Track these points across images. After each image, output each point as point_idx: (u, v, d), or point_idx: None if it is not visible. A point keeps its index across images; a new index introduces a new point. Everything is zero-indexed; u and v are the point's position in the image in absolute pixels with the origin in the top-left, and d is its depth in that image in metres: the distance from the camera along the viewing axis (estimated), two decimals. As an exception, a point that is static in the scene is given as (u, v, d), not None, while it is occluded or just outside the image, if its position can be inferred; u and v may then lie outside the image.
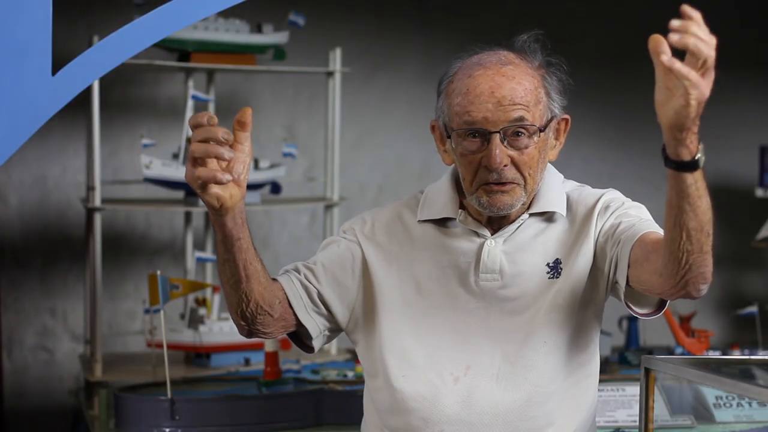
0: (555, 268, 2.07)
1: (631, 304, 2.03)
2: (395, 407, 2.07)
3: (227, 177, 1.76)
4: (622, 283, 1.99)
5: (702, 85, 1.62)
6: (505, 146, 1.99)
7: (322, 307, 2.10)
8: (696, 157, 1.71)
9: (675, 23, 1.59)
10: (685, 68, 1.60)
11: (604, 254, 2.04)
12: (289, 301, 2.05)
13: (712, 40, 1.61)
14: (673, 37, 1.59)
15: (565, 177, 2.18)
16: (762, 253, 4.80)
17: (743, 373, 3.13)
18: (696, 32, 1.60)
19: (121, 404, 2.96)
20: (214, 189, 1.77)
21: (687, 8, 1.60)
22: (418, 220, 2.13)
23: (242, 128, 1.79)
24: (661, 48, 1.61)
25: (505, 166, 2.00)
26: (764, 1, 4.77)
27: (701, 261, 1.81)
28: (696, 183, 1.74)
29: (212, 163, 1.76)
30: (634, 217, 2.03)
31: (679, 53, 1.61)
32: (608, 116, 4.54)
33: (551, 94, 2.06)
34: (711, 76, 1.63)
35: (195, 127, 1.76)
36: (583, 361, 2.09)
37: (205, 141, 1.75)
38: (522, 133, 2.00)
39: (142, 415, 2.89)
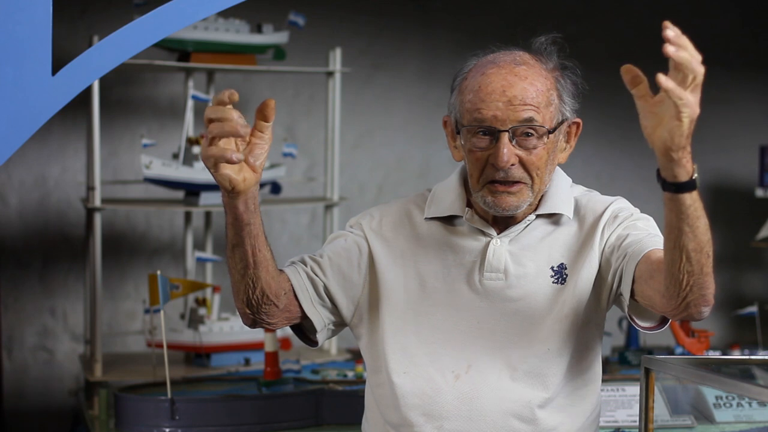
0: (559, 273, 2.06)
1: (634, 317, 2.03)
2: (396, 403, 2.07)
3: (239, 156, 1.76)
4: (627, 296, 1.99)
5: (693, 103, 1.62)
6: (513, 145, 2.00)
7: (328, 300, 2.10)
8: (693, 177, 1.71)
9: (670, 34, 1.59)
10: (679, 88, 1.60)
11: (609, 265, 2.04)
12: (295, 293, 2.06)
13: (699, 57, 1.61)
14: (669, 49, 1.58)
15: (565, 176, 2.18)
16: (762, 253, 4.80)
17: (743, 373, 3.14)
18: (688, 47, 1.60)
19: (121, 404, 2.96)
20: (226, 170, 1.78)
21: (669, 25, 1.60)
22: (425, 218, 2.14)
23: (264, 120, 1.81)
24: (636, 77, 1.62)
25: (512, 165, 2.00)
26: (764, 1, 4.76)
27: (702, 282, 1.81)
28: (695, 203, 1.74)
29: (228, 143, 1.76)
30: (642, 230, 2.03)
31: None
32: (608, 116, 4.54)
33: (563, 97, 2.06)
34: (698, 92, 1.63)
35: (216, 104, 1.76)
36: (585, 368, 2.09)
37: (221, 120, 1.75)
38: (531, 133, 2.00)
39: (142, 415, 2.89)
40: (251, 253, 1.90)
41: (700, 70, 1.61)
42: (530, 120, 1.99)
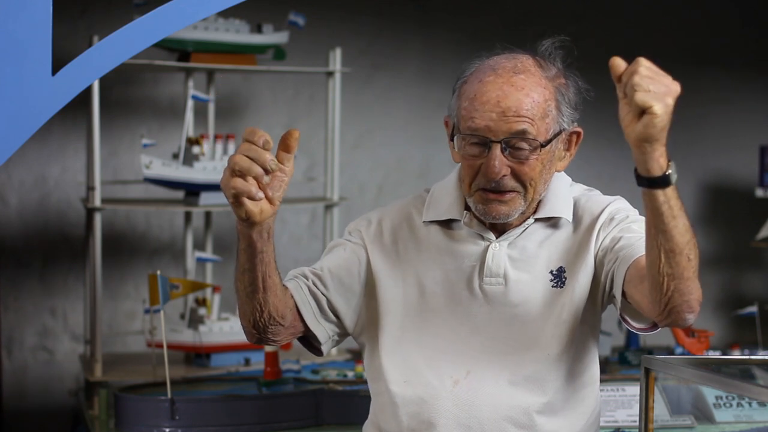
0: (558, 277, 2.05)
1: (627, 318, 2.02)
2: (395, 411, 2.06)
3: (260, 195, 1.74)
4: (618, 298, 1.98)
5: (661, 94, 1.64)
6: (505, 156, 1.97)
7: (331, 314, 2.09)
8: (667, 173, 1.71)
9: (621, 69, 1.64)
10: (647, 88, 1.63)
11: (602, 267, 2.03)
12: (298, 309, 2.04)
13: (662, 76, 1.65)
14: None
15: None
16: (762, 253, 4.80)
17: (743, 373, 3.13)
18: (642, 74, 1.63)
19: (121, 404, 2.96)
20: (247, 204, 1.75)
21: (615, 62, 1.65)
22: (423, 221, 2.12)
23: (287, 150, 1.77)
24: (620, 70, 1.64)
25: (504, 176, 1.98)
26: (764, 1, 4.76)
27: (684, 288, 1.79)
28: (669, 201, 1.73)
29: (250, 179, 1.73)
30: (636, 233, 2.00)
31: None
32: (608, 116, 4.53)
33: (561, 108, 2.02)
34: (668, 89, 1.65)
35: (247, 140, 1.72)
36: (582, 370, 2.09)
37: (253, 161, 1.71)
38: (524, 145, 1.98)
39: (142, 415, 2.89)
40: (261, 279, 1.89)
41: (677, 87, 1.64)
42: (523, 132, 1.96)
